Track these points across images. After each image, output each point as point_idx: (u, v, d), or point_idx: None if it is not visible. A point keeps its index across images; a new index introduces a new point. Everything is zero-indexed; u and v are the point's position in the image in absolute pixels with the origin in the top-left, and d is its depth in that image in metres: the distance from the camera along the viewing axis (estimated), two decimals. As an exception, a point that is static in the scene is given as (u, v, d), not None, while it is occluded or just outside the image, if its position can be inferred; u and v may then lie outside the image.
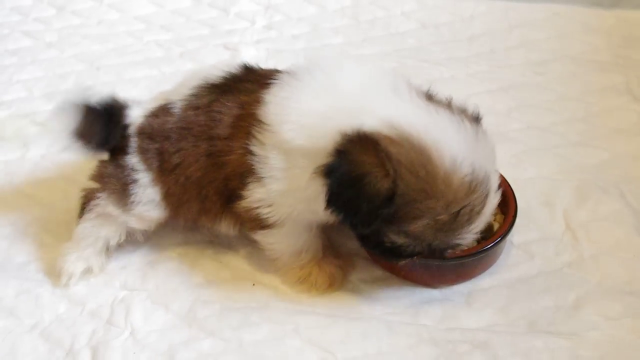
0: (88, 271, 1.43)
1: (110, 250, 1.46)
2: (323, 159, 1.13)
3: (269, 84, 1.28)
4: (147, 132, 1.36)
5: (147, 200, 1.36)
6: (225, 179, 1.30)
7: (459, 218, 1.13)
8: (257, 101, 1.26)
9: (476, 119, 1.21)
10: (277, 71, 1.33)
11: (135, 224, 1.40)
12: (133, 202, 1.36)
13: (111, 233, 1.42)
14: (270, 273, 1.40)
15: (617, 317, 1.28)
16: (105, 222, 1.40)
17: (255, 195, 1.26)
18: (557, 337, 1.25)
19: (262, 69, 1.39)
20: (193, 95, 1.35)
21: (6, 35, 2.26)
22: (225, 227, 1.39)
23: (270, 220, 1.28)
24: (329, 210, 1.14)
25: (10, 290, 1.40)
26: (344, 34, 2.21)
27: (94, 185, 1.41)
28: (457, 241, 1.19)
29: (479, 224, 1.17)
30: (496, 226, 1.35)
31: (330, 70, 1.26)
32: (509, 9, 2.25)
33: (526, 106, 1.83)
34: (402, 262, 1.24)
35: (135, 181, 1.35)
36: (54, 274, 1.43)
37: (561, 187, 1.55)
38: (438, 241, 1.16)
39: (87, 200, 1.42)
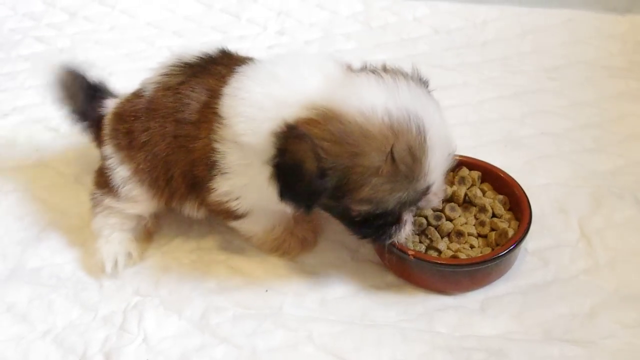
0: (129, 256, 1.47)
1: (148, 237, 1.52)
2: (267, 155, 1.17)
3: (235, 72, 1.31)
4: (119, 114, 1.43)
5: (121, 179, 1.41)
6: (191, 164, 1.32)
7: (398, 162, 1.10)
8: (220, 93, 1.29)
9: (409, 77, 1.20)
10: (249, 59, 1.37)
11: (131, 208, 1.45)
12: (115, 186, 1.42)
13: (120, 220, 1.47)
14: (283, 279, 1.40)
15: (633, 324, 1.27)
16: (109, 213, 1.47)
17: (222, 189, 1.29)
18: (573, 345, 1.24)
19: (238, 55, 1.42)
20: (165, 74, 1.39)
21: (19, 41, 2.26)
22: (190, 209, 1.42)
23: (240, 212, 1.33)
24: (284, 202, 1.18)
25: (23, 296, 1.39)
26: (356, 40, 2.21)
27: (93, 187, 1.49)
28: (423, 191, 1.17)
29: (433, 169, 1.14)
30: (511, 232, 1.35)
31: (278, 61, 1.30)
32: (522, 15, 2.25)
33: (540, 112, 1.82)
34: (392, 239, 1.24)
35: (111, 167, 1.41)
36: (70, 279, 1.43)
37: (576, 193, 1.55)
38: (400, 196, 1.14)
39: (92, 199, 1.49)
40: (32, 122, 1.88)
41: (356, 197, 1.14)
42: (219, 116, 1.25)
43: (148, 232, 1.52)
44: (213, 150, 1.26)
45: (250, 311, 1.34)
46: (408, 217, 1.25)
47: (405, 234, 1.25)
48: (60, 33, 2.31)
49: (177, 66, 1.39)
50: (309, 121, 1.13)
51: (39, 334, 1.33)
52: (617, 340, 1.25)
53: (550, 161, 1.65)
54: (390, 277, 1.39)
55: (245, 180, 1.26)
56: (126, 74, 2.04)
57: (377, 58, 2.04)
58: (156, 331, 1.32)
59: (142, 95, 1.40)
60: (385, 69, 1.21)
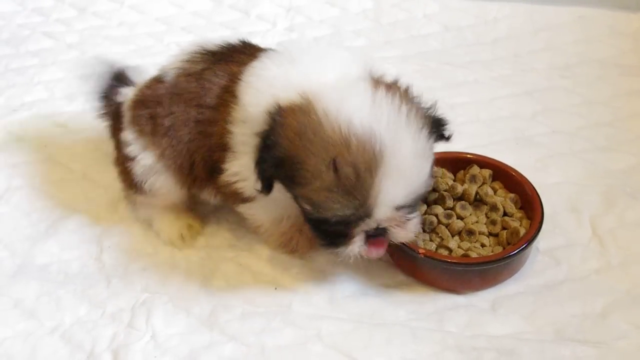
0: (190, 227, 1.51)
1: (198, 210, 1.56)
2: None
3: (258, 57, 1.33)
4: (140, 101, 1.43)
5: (144, 168, 1.41)
6: (210, 149, 1.33)
7: (340, 175, 1.10)
8: (239, 77, 1.31)
9: (412, 105, 1.19)
10: (272, 49, 1.40)
11: (159, 201, 1.47)
12: (139, 182, 1.43)
13: (161, 203, 1.49)
14: (292, 277, 1.39)
15: (646, 325, 1.26)
16: (147, 205, 1.51)
17: (232, 169, 1.30)
18: (584, 346, 1.23)
19: (259, 46, 1.44)
20: (187, 61, 1.41)
21: (27, 37, 2.26)
22: (208, 195, 1.44)
23: (247, 194, 1.33)
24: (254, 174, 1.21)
25: (31, 292, 1.39)
26: (366, 37, 2.20)
27: (124, 188, 1.52)
28: (365, 215, 1.15)
29: (380, 197, 1.12)
30: (522, 231, 1.33)
31: (310, 49, 1.34)
32: (533, 12, 2.24)
33: (551, 110, 1.81)
34: (338, 251, 1.23)
35: (132, 155, 1.42)
36: (78, 276, 1.43)
37: (588, 192, 1.53)
38: (338, 209, 1.14)
39: (126, 197, 1.55)
40: (40, 118, 1.87)
41: (300, 193, 1.17)
42: (235, 97, 1.28)
43: (191, 201, 1.55)
44: (227, 132, 1.28)
45: (259, 309, 1.33)
46: (359, 237, 1.21)
47: (352, 250, 1.22)
48: (69, 29, 2.30)
49: (200, 53, 1.40)
50: (294, 108, 1.16)
51: (46, 330, 1.32)
52: (629, 340, 1.23)
53: (562, 160, 1.63)
54: (400, 276, 1.38)
55: (251, 160, 1.26)
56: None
57: (386, 55, 2.07)
58: (164, 328, 1.31)
59: (163, 81, 1.41)
60: (392, 87, 1.20)
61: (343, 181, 1.11)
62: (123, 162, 1.46)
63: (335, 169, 1.10)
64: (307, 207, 1.18)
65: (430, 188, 1.26)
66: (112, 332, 1.31)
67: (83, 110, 1.67)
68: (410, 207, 1.19)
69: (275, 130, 1.16)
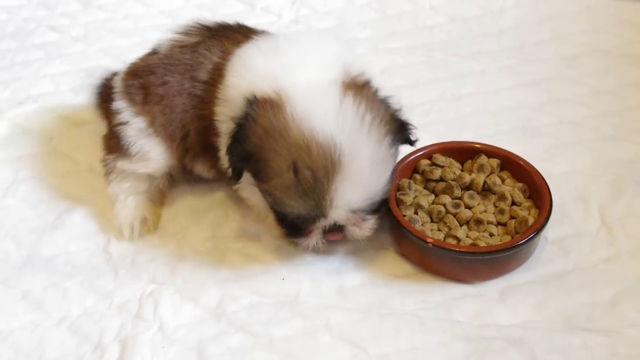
0: (144, 221, 1.49)
1: (162, 198, 1.57)
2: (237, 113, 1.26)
3: (251, 39, 1.39)
4: (132, 71, 1.47)
5: (135, 132, 1.43)
6: (205, 130, 1.38)
7: (300, 177, 1.17)
8: (231, 55, 1.36)
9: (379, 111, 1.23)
10: (267, 32, 1.44)
11: (143, 167, 1.47)
12: (126, 145, 1.45)
13: (134, 184, 1.50)
14: (300, 267, 1.39)
15: (656, 314, 1.25)
16: (123, 178, 1.50)
17: (223, 150, 1.33)
18: (594, 334, 1.22)
19: (254, 29, 1.48)
20: (182, 33, 1.46)
21: (33, 30, 2.25)
22: (201, 169, 1.49)
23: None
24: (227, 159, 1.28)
25: (38, 284, 1.38)
26: (372, 28, 2.19)
27: (104, 153, 1.54)
28: (321, 215, 1.22)
29: (336, 200, 1.19)
30: (531, 220, 1.33)
31: (297, 39, 1.38)
32: (539, 2, 2.23)
33: (558, 100, 1.80)
34: (296, 244, 1.32)
35: (122, 123, 1.44)
36: (85, 267, 1.43)
37: (596, 182, 1.53)
38: (295, 206, 1.21)
39: (104, 166, 1.53)
40: (46, 111, 1.86)
41: (262, 187, 1.24)
42: (222, 76, 1.34)
43: (161, 194, 1.56)
44: (215, 114, 1.34)
45: (267, 299, 1.33)
46: (315, 232, 1.28)
47: (309, 244, 1.30)
48: (74, 22, 2.29)
49: (195, 27, 1.45)
50: (267, 103, 1.22)
51: (54, 322, 1.32)
52: (639, 329, 1.23)
53: (569, 149, 1.63)
54: (409, 266, 1.38)
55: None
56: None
57: (392, 46, 2.07)
58: (172, 319, 1.31)
59: (157, 53, 1.46)
60: (360, 92, 1.24)
61: (301, 183, 1.18)
62: (111, 128, 1.49)
63: (295, 171, 1.17)
64: (269, 199, 1.26)
65: (387, 195, 1.29)
66: (119, 323, 1.31)
67: (89, 103, 1.66)
68: (368, 209, 1.26)
69: (247, 123, 1.22)
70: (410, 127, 1.30)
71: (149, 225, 1.49)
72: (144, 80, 1.43)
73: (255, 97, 1.23)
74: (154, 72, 1.42)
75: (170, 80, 1.39)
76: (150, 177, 1.50)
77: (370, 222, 1.30)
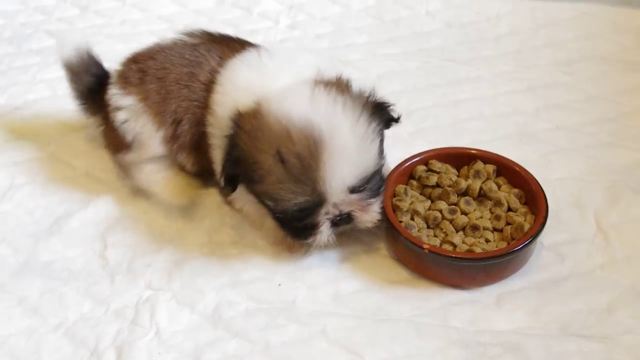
0: (189, 185, 1.54)
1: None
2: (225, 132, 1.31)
3: (245, 50, 1.45)
4: (131, 59, 1.53)
5: (126, 115, 1.47)
6: (201, 133, 1.42)
7: (287, 164, 1.20)
8: (226, 63, 1.42)
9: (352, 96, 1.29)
10: (261, 46, 1.50)
11: (144, 153, 1.50)
12: (122, 135, 1.49)
13: (152, 166, 1.53)
14: (296, 273, 1.39)
15: (651, 320, 1.25)
16: (139, 167, 1.53)
17: (216, 160, 1.40)
18: (590, 341, 1.22)
19: (250, 42, 1.54)
20: (185, 34, 1.52)
21: (30, 35, 2.25)
22: (184, 160, 1.52)
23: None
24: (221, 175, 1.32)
25: (34, 290, 1.38)
26: (369, 34, 2.19)
27: (112, 157, 1.60)
28: (321, 200, 1.24)
29: (327, 181, 1.21)
30: (527, 227, 1.33)
31: (275, 52, 1.43)
32: (535, 9, 2.24)
33: (554, 106, 1.81)
34: (310, 242, 1.32)
35: (114, 109, 1.49)
36: (82, 273, 1.42)
37: (592, 188, 1.53)
38: (294, 198, 1.23)
39: (118, 168, 1.59)
40: (43, 116, 1.86)
41: (259, 190, 1.28)
42: (214, 86, 1.39)
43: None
44: (209, 124, 1.39)
45: (263, 305, 1.33)
46: (324, 225, 1.29)
47: (321, 240, 1.30)
48: (71, 27, 2.30)
49: (198, 31, 1.51)
50: (249, 113, 1.27)
51: (50, 328, 1.32)
52: (635, 335, 1.23)
53: (565, 155, 1.63)
54: (405, 272, 1.38)
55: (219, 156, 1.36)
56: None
57: (389, 52, 2.07)
58: (168, 325, 1.31)
59: (158, 44, 1.53)
60: (331, 83, 1.30)
61: (291, 170, 1.21)
62: (106, 126, 1.54)
63: (282, 160, 1.20)
64: (269, 202, 1.28)
65: (381, 167, 1.32)
66: (116, 329, 1.31)
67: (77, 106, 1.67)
68: (368, 190, 1.29)
69: (236, 134, 1.27)
70: (387, 104, 1.34)
71: (190, 192, 1.53)
72: (142, 65, 1.48)
73: (239, 112, 1.29)
74: (154, 58, 1.48)
75: (170, 67, 1.45)
76: (162, 158, 1.53)
77: (376, 206, 1.31)
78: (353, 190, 1.26)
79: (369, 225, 1.32)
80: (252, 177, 1.26)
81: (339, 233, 1.33)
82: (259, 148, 1.23)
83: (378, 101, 1.33)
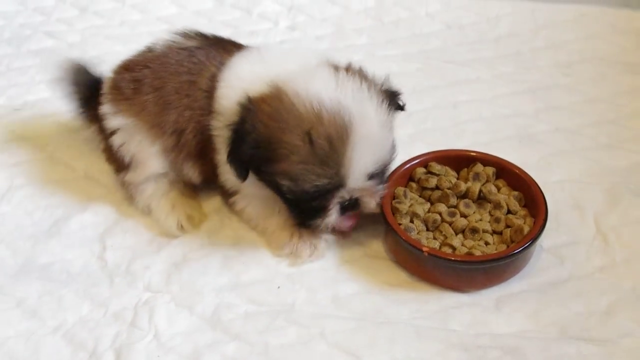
0: (190, 218, 1.50)
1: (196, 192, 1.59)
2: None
3: (242, 50, 1.45)
4: (124, 66, 1.49)
5: (121, 131, 1.45)
6: (206, 139, 1.40)
7: (315, 146, 1.21)
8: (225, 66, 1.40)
9: (370, 82, 1.31)
10: (249, 47, 1.50)
11: (144, 172, 1.48)
12: (121, 156, 1.48)
13: (156, 186, 1.51)
14: (295, 275, 1.39)
15: (651, 323, 1.25)
16: (141, 187, 1.52)
17: (221, 165, 1.39)
18: (589, 344, 1.22)
19: (243, 44, 1.53)
20: (180, 35, 1.50)
21: (29, 36, 2.25)
22: (190, 170, 1.49)
23: (228, 186, 1.44)
24: (229, 165, 1.31)
25: (33, 292, 1.38)
26: (368, 35, 2.20)
27: (116, 174, 1.57)
28: (340, 184, 1.26)
29: (352, 164, 1.23)
30: (526, 229, 1.33)
31: (274, 48, 1.50)
32: (535, 10, 2.24)
33: (554, 108, 1.81)
34: (318, 225, 1.33)
35: (109, 132, 1.47)
36: (80, 275, 1.42)
37: (591, 190, 1.53)
38: (315, 179, 1.24)
39: (124, 187, 1.55)
40: (42, 117, 1.86)
41: (278, 169, 1.25)
42: (217, 88, 1.37)
43: (190, 185, 1.57)
44: (214, 128, 1.37)
45: (262, 308, 1.33)
46: (334, 208, 1.31)
47: (329, 221, 1.32)
48: (71, 28, 2.30)
49: (194, 32, 1.49)
50: (264, 97, 1.26)
51: (49, 330, 1.31)
52: (634, 338, 1.23)
53: (565, 157, 1.63)
54: (404, 274, 1.38)
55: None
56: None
57: (389, 53, 2.07)
58: (167, 327, 1.30)
59: (152, 51, 1.48)
60: (349, 69, 1.31)
61: (318, 152, 1.21)
62: (106, 141, 1.51)
63: (311, 141, 1.21)
64: (286, 182, 1.26)
65: (395, 157, 1.34)
66: (114, 331, 1.30)
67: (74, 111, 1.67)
68: (379, 177, 1.31)
69: (249, 117, 1.26)
70: (399, 93, 1.37)
71: (198, 218, 1.51)
72: (137, 74, 1.44)
73: (248, 97, 1.28)
74: (148, 67, 1.44)
75: (168, 76, 1.41)
76: (163, 176, 1.51)
77: (380, 192, 1.33)
78: (370, 176, 1.28)
79: (373, 210, 1.34)
80: (272, 157, 1.25)
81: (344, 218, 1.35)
82: (285, 128, 1.22)
83: (392, 89, 1.35)
